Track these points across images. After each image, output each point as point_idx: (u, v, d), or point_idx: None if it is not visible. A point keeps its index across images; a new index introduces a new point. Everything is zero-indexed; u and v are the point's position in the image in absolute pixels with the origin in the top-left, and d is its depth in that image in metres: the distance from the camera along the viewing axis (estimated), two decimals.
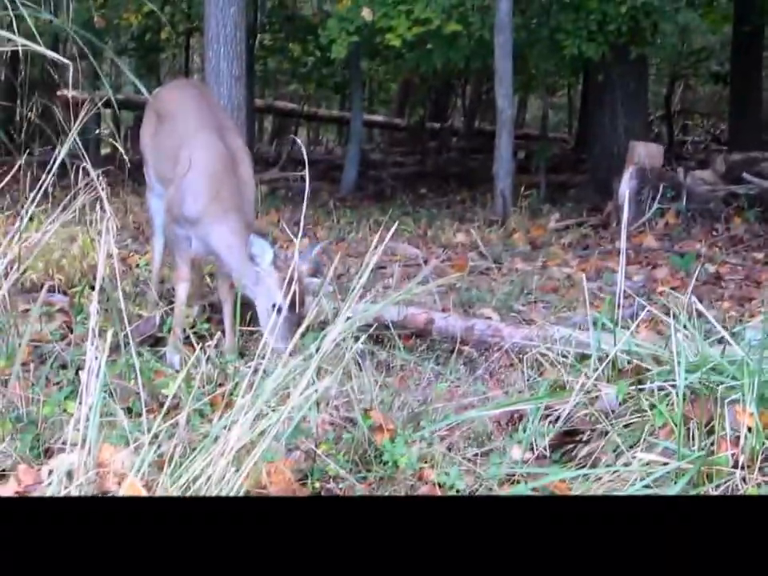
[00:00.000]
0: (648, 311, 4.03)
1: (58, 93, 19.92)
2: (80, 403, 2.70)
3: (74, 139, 3.64)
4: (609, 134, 12.42)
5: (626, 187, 9.29)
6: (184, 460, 2.67)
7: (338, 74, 17.26)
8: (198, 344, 4.27)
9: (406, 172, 17.02)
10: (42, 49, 3.19)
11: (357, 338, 3.54)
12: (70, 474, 2.60)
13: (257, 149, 19.55)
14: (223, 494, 2.54)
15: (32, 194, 3.79)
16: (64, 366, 4.36)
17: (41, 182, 3.69)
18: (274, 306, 4.45)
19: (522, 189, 10.74)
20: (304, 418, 3.19)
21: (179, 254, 4.93)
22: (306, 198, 3.51)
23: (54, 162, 3.72)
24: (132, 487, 2.57)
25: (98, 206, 3.84)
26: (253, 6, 16.29)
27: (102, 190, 3.45)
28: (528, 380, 4.25)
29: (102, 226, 6.30)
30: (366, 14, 10.51)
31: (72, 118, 3.84)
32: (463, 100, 22.76)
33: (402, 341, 5.05)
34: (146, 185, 5.52)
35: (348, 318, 3.06)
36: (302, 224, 3.47)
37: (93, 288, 5.89)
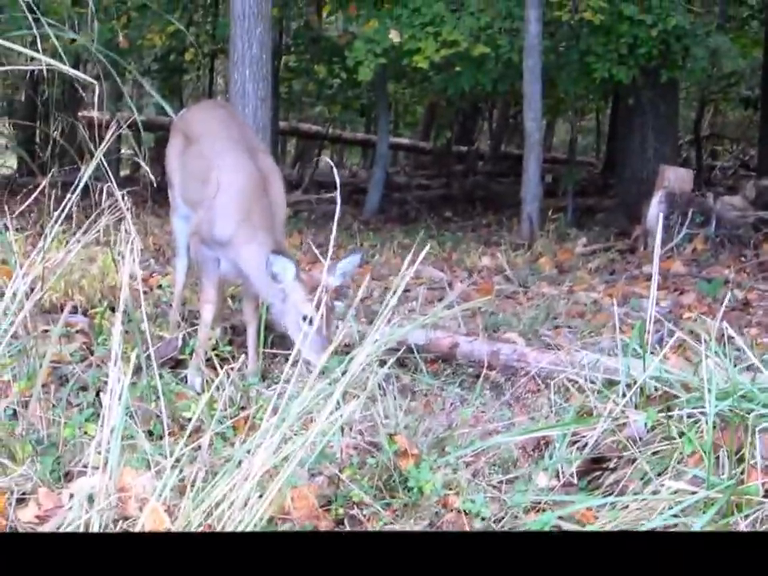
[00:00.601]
0: (677, 337, 3.98)
1: (81, 113, 20.09)
2: (101, 426, 2.69)
3: (98, 160, 3.64)
4: (638, 157, 12.37)
5: (655, 211, 9.25)
6: (206, 485, 2.66)
7: (364, 96, 17.27)
8: (220, 366, 4.29)
9: (431, 195, 17.02)
10: (66, 68, 3.20)
11: (383, 362, 3.52)
12: (90, 498, 2.59)
13: (281, 171, 19.60)
14: (246, 519, 2.52)
15: (55, 214, 3.79)
16: (84, 388, 4.36)
17: (64, 202, 3.69)
18: (304, 318, 4.43)
19: (550, 212, 10.72)
20: (328, 443, 3.17)
21: (206, 275, 4.92)
22: (336, 218, 3.49)
23: (78, 183, 3.71)
24: (154, 512, 2.56)
25: (121, 227, 3.87)
26: (278, 27, 16.33)
27: (127, 209, 3.45)
28: (554, 406, 4.22)
29: (124, 247, 6.35)
30: (394, 35, 10.50)
31: (96, 139, 3.84)
32: (490, 123, 22.76)
33: (426, 365, 5.05)
34: (171, 206, 5.51)
35: (375, 341, 3.02)
36: (331, 243, 3.44)
37: (113, 309, 5.94)
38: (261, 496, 2.55)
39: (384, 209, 13.96)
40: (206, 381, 4.58)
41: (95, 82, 3.50)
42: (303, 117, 24.35)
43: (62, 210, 3.89)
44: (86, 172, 3.79)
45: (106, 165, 3.87)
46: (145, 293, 6.38)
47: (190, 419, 3.87)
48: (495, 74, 11.34)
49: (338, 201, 3.53)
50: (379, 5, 11.58)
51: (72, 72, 3.26)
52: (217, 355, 4.70)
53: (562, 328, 6.27)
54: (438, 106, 20.10)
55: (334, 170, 3.82)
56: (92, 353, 5.15)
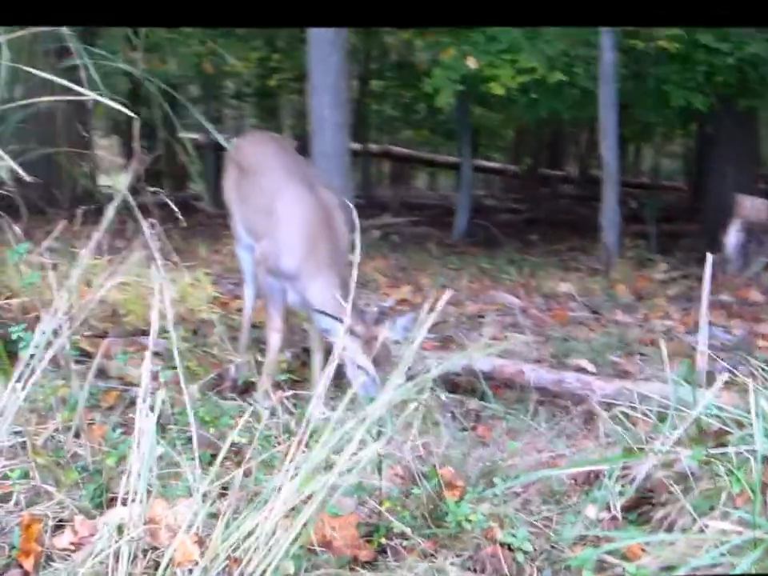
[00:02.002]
0: (731, 370, 3.87)
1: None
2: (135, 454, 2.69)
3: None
4: (719, 185, 12.15)
5: (732, 240, 9.09)
6: (237, 516, 2.64)
7: (451, 121, 17.26)
8: (286, 391, 4.30)
9: (518, 219, 16.89)
10: (106, 101, 3.22)
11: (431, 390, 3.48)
12: (120, 528, 2.58)
13: (373, 194, 19.65)
14: (273, 552, 2.48)
15: (140, 237, 3.81)
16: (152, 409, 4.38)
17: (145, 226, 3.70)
18: (359, 368, 4.45)
19: (629, 239, 10.59)
20: (369, 474, 3.13)
21: (273, 304, 4.92)
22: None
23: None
24: (182, 544, 2.54)
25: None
26: (364, 53, 16.41)
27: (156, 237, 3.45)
28: (608, 437, 4.12)
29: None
30: (471, 62, 10.43)
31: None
32: (576, 147, 22.57)
33: (493, 391, 5.01)
34: (234, 236, 5.52)
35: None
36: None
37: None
38: (287, 530, 2.51)
39: (471, 232, 13.88)
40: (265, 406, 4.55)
41: (134, 116, 3.51)
42: (395, 140, 24.43)
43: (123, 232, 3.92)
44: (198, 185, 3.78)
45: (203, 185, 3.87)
46: (223, 316, 6.45)
47: (235, 445, 3.90)
48: (572, 101, 11.22)
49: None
50: (457, 32, 11.51)
51: (110, 103, 3.29)
52: (285, 380, 4.72)
53: (634, 355, 6.16)
54: (526, 130, 20.00)
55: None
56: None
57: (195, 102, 20.83)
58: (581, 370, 5.75)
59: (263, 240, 4.90)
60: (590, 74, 10.47)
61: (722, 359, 6.07)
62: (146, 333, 5.75)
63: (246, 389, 5.05)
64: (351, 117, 18.85)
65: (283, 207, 4.76)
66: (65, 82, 4.24)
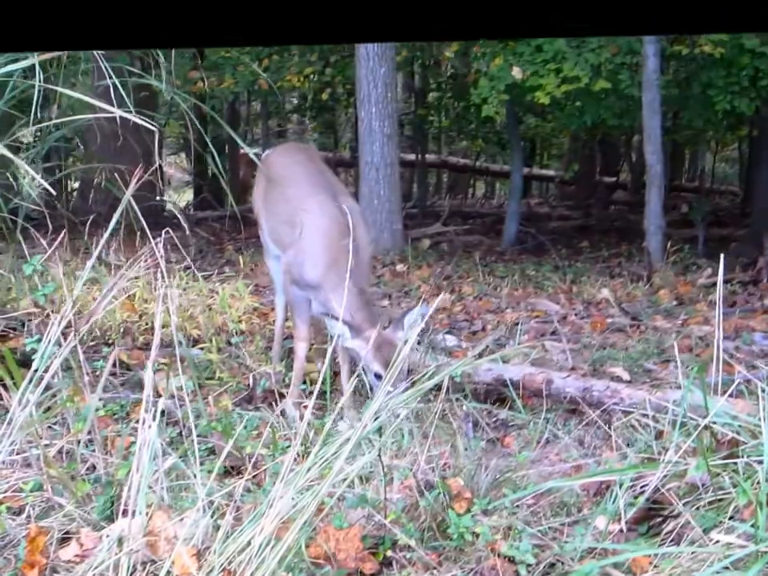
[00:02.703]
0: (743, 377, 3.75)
1: (242, 151, 20.52)
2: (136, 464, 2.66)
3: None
4: (766, 189, 11.93)
5: None
6: (236, 529, 2.60)
7: (503, 131, 17.20)
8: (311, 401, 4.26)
9: (569, 226, 16.74)
10: (128, 114, 3.20)
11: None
12: (120, 541, 2.55)
13: (428, 203, 19.59)
14: (265, 564, 2.43)
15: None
16: (176, 422, 4.36)
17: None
18: (375, 375, 4.41)
19: (676, 243, 10.41)
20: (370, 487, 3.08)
21: (299, 314, 4.91)
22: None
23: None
24: (179, 557, 2.50)
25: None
26: (420, 65, 16.42)
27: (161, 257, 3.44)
28: (629, 446, 4.02)
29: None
30: (516, 72, 10.39)
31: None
32: (628, 153, 22.34)
33: (523, 400, 4.94)
34: (263, 246, 5.52)
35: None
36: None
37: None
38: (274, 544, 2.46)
39: (521, 239, 13.77)
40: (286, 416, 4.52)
41: (155, 128, 3.50)
42: (454, 150, 24.39)
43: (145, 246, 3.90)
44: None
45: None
46: (262, 326, 6.44)
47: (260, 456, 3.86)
48: (617, 109, 11.14)
49: None
50: (504, 43, 11.46)
51: (135, 118, 3.27)
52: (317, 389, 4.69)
53: (670, 363, 6.02)
54: (578, 138, 19.83)
55: None
56: (200, 386, 5.19)
57: (256, 118, 21.05)
58: (615, 378, 5.64)
59: (288, 250, 4.88)
60: (635, 81, 10.36)
61: (761, 366, 5.95)
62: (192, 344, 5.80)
63: (276, 398, 5.03)
64: (409, 129, 18.96)
65: (307, 218, 4.74)
66: (97, 102, 4.26)
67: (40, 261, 4.09)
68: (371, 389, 4.57)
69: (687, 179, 23.67)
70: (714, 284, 9.20)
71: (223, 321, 6.18)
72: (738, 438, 3.41)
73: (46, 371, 3.15)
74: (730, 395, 3.73)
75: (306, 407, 4.31)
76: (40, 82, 3.99)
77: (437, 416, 4.35)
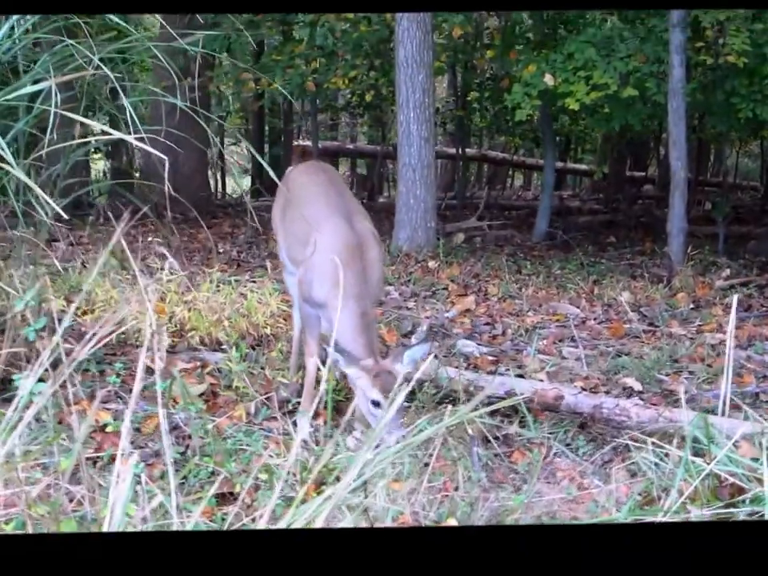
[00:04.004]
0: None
1: (295, 143, 20.29)
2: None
3: None
4: None
5: None
6: None
7: (537, 129, 16.84)
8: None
9: (598, 221, 16.27)
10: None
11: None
12: None
13: (467, 195, 19.22)
14: None
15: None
16: (189, 436, 4.07)
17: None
18: (373, 402, 4.09)
19: (698, 240, 10.01)
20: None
21: (309, 330, 4.61)
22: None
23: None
24: None
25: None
26: (462, 67, 16.14)
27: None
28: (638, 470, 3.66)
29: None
30: (548, 79, 10.03)
31: None
32: (657, 149, 21.78)
33: (535, 414, 4.61)
34: (280, 262, 5.22)
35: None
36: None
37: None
38: None
39: (551, 234, 13.34)
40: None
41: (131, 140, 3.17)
42: (493, 145, 24.00)
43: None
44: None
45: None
46: (287, 330, 6.12)
47: (264, 481, 3.55)
48: (643, 114, 10.74)
49: None
50: (537, 50, 11.08)
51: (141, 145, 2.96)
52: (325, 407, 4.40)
53: (682, 373, 5.64)
54: (610, 136, 19.36)
55: None
56: (216, 395, 4.91)
57: (308, 114, 20.82)
58: (627, 388, 5.30)
59: (300, 268, 4.57)
60: (661, 89, 9.94)
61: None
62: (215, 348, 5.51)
63: (293, 409, 4.73)
64: (452, 125, 18.64)
65: (319, 238, 4.42)
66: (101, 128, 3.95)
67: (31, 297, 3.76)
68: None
69: (712, 174, 23.02)
70: (732, 286, 8.83)
71: (249, 324, 5.89)
72: (740, 484, 3.04)
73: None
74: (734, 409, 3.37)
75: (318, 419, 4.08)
76: (57, 105, 3.66)
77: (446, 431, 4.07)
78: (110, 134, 3.13)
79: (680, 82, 9.35)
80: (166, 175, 3.34)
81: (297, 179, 5.07)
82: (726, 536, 2.09)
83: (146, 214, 5.21)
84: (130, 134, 3.52)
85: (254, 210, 6.21)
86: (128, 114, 3.54)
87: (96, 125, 3.25)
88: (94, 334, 3.17)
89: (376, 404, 4.06)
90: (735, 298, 3.65)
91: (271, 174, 4.16)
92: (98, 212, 11.85)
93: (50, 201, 3.48)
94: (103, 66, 3.63)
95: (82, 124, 4.05)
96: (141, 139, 3.31)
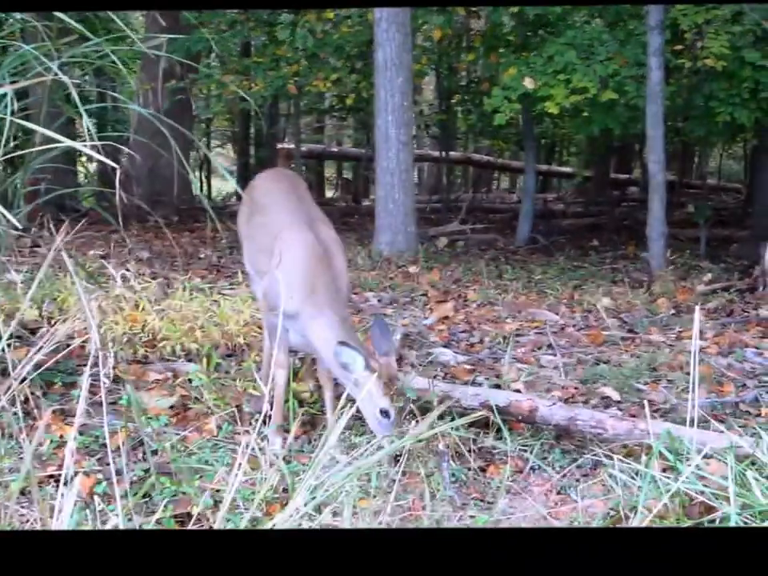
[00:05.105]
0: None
1: (279, 146, 20.21)
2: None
3: None
4: (766, 192, 11.43)
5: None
6: None
7: (519, 132, 16.82)
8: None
9: (582, 224, 16.22)
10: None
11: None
12: None
13: (451, 198, 19.16)
14: None
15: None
16: (155, 452, 3.97)
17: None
18: (382, 411, 4.00)
19: (672, 250, 9.95)
20: None
21: (277, 341, 4.47)
22: None
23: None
24: None
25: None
26: (446, 70, 16.11)
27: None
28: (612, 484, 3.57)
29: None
30: (528, 82, 9.96)
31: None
32: (641, 152, 21.74)
33: (510, 425, 4.52)
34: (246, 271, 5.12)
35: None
36: None
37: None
38: None
39: (534, 238, 13.27)
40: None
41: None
42: (478, 148, 23.98)
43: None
44: None
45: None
46: (261, 339, 6.01)
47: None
48: (623, 118, 10.68)
49: None
50: (518, 53, 11.02)
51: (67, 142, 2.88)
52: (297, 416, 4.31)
53: (660, 382, 5.57)
54: (594, 138, 19.35)
55: None
56: (187, 408, 4.80)
57: (291, 116, 20.73)
58: (605, 398, 5.23)
59: (265, 278, 4.46)
60: (640, 92, 9.89)
61: (749, 387, 5.49)
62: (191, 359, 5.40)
63: (265, 421, 4.62)
64: (436, 128, 18.58)
65: (283, 247, 4.32)
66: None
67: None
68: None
69: (696, 176, 23.00)
70: (713, 291, 8.76)
71: (223, 333, 5.78)
72: (709, 502, 2.96)
73: None
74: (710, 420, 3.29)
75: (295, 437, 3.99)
76: (13, 112, 3.56)
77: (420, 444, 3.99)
78: (62, 142, 3.01)
79: (658, 85, 9.29)
80: (117, 183, 3.23)
81: (260, 186, 4.97)
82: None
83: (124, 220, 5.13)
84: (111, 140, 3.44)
85: (234, 215, 6.13)
86: (84, 122, 3.44)
87: (49, 133, 3.14)
88: (41, 348, 3.08)
89: (385, 413, 3.99)
90: (697, 313, 3.56)
91: (230, 180, 4.07)
92: (83, 216, 11.79)
93: (5, 212, 3.39)
94: (59, 72, 3.52)
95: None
96: (95, 147, 3.21)
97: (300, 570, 1.99)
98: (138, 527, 2.83)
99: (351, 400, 3.63)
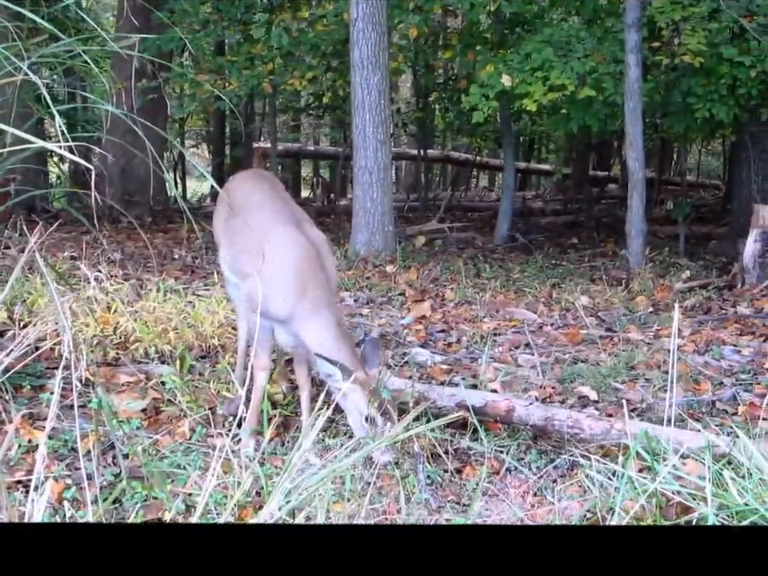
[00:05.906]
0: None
1: (255, 145, 20.13)
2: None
3: None
4: (745, 190, 11.48)
5: (750, 249, 8.39)
6: None
7: (497, 129, 16.83)
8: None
9: (561, 221, 16.25)
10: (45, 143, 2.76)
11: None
12: None
13: (430, 197, 19.15)
14: None
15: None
16: (126, 456, 3.92)
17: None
18: (366, 419, 3.98)
19: (651, 247, 9.97)
20: None
21: (260, 343, 4.38)
22: None
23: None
24: None
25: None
26: (422, 67, 16.09)
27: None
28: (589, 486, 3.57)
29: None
30: (506, 80, 9.96)
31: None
32: (620, 149, 21.81)
33: (487, 426, 4.50)
34: (222, 273, 5.06)
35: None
36: None
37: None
38: None
39: (513, 236, 13.28)
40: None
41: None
42: (456, 146, 23.96)
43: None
44: None
45: None
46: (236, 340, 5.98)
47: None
48: (601, 115, 10.69)
49: None
50: (495, 51, 11.01)
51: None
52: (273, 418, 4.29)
53: (638, 381, 5.57)
54: (573, 135, 19.39)
55: None
56: (159, 411, 4.76)
57: (266, 115, 20.67)
58: (582, 397, 5.23)
59: (248, 279, 4.37)
60: (618, 89, 9.92)
61: (726, 385, 5.49)
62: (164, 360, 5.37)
63: (239, 423, 4.59)
64: (414, 125, 18.56)
65: (272, 248, 4.26)
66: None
67: None
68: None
69: (675, 173, 23.08)
70: (691, 289, 8.79)
71: (197, 335, 5.75)
72: (686, 503, 2.95)
73: None
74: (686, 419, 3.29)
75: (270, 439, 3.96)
76: None
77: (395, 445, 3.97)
78: (34, 143, 2.97)
79: (636, 82, 9.32)
80: (92, 183, 3.19)
81: (238, 188, 4.90)
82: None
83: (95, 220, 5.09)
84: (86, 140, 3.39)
85: (209, 215, 6.08)
86: (56, 122, 3.40)
87: (20, 133, 3.10)
88: (11, 351, 3.05)
89: (369, 420, 3.97)
90: (677, 312, 3.56)
91: (210, 179, 4.04)
92: (54, 217, 11.73)
93: None
94: (29, 72, 3.48)
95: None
96: (69, 148, 3.17)
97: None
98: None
99: (326, 402, 3.61)
